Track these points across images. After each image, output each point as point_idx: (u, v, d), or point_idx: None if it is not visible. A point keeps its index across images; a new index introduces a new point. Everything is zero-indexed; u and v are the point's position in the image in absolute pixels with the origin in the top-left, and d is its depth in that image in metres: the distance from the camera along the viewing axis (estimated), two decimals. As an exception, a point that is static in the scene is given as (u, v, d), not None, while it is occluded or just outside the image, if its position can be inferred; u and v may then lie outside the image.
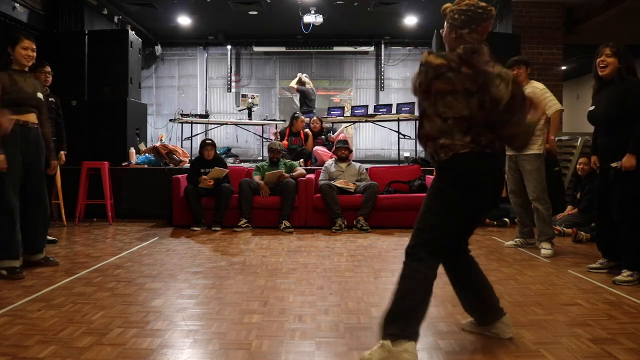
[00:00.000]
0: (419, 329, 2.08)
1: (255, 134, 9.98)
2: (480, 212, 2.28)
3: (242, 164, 7.29)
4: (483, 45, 2.20)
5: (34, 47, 3.68)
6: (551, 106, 4.33)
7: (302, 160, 6.87)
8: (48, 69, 5.00)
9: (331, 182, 5.90)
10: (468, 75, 2.09)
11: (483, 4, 2.22)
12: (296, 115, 7.58)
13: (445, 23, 2.26)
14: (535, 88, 4.38)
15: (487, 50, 2.20)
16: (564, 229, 5.27)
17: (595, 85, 3.62)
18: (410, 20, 9.83)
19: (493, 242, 4.95)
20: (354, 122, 8.66)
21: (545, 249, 4.32)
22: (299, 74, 9.13)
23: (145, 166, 6.70)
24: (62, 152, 5.27)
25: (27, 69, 3.71)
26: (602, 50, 3.47)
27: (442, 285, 2.38)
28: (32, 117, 3.65)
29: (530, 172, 4.35)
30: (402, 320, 2.06)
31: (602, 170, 3.60)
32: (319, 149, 7.13)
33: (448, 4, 2.29)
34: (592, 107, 3.64)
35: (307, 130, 7.56)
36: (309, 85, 9.02)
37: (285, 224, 5.62)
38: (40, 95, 3.75)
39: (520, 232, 4.70)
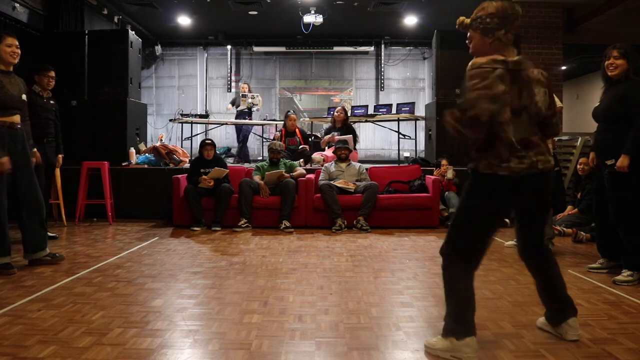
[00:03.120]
0: (473, 323, 2.21)
1: (255, 134, 9.97)
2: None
3: (244, 164, 7.29)
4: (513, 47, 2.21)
5: (17, 43, 3.67)
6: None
7: (302, 160, 6.84)
8: (52, 73, 5.03)
9: (331, 182, 5.90)
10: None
11: (506, 3, 2.19)
12: (287, 113, 7.45)
13: (473, 32, 2.23)
14: None
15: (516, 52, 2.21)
16: (564, 229, 5.27)
17: (604, 86, 3.61)
18: (410, 20, 9.83)
19: (493, 242, 4.94)
20: (354, 122, 8.66)
21: (545, 249, 4.31)
22: (258, 96, 9.57)
23: (145, 166, 6.70)
24: (59, 156, 5.34)
25: (12, 68, 3.70)
26: (610, 52, 3.43)
27: (442, 285, 2.37)
28: (17, 119, 3.68)
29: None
30: (456, 320, 2.22)
31: (600, 169, 3.61)
32: (317, 156, 7.06)
33: (462, 17, 2.27)
34: (597, 105, 3.65)
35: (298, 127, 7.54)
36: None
37: (285, 224, 5.62)
38: (24, 97, 3.76)
39: (520, 232, 4.68)
